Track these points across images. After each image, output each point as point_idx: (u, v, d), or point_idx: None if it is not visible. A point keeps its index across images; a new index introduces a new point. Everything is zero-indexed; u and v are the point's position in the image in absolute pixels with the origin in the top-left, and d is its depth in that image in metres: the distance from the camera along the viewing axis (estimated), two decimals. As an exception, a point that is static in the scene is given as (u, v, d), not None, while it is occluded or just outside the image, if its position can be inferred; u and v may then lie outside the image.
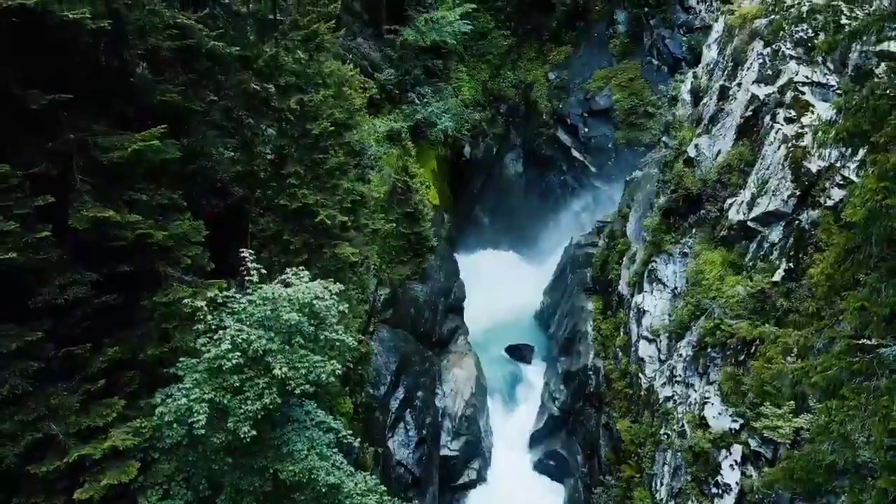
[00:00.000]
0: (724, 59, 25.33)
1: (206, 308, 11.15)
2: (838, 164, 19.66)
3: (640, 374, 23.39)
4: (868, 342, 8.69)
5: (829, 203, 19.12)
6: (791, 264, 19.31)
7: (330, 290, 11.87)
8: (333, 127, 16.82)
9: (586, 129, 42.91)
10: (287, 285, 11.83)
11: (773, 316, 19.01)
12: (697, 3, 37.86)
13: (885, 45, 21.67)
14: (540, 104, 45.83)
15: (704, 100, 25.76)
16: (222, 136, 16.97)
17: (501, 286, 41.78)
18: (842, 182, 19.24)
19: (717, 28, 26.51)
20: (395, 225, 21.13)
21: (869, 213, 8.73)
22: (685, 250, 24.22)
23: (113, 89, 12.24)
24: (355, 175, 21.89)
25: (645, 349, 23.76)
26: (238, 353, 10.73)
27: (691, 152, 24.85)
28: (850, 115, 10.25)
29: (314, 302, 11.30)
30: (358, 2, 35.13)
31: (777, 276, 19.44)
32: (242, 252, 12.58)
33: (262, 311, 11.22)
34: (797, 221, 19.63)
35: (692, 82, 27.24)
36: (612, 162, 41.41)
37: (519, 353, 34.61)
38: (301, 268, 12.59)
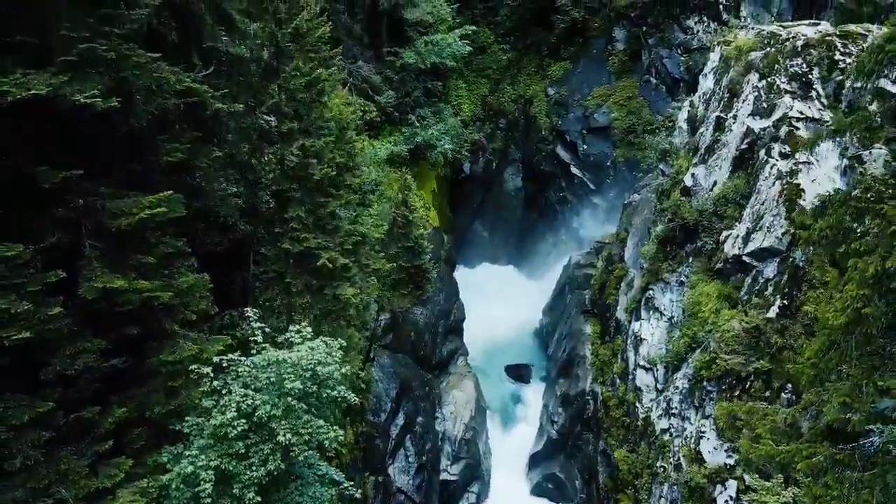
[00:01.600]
0: (720, 89, 25.59)
1: (212, 374, 11.44)
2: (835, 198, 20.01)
3: (638, 404, 23.68)
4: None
5: (824, 241, 19.37)
6: (785, 301, 19.60)
7: (332, 350, 12.16)
8: (335, 172, 17.11)
9: (585, 146, 43.20)
10: (290, 345, 12.12)
11: (768, 353, 19.32)
12: (695, 24, 38.14)
13: (878, 83, 22.10)
14: (539, 119, 46.14)
15: (701, 129, 26.04)
16: (226, 176, 17.30)
17: (501, 301, 42.18)
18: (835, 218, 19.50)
19: (714, 58, 26.77)
20: (395, 262, 21.38)
21: (849, 319, 9.03)
22: (682, 279, 24.51)
23: (120, 150, 12.53)
24: (357, 200, 22.23)
25: (642, 378, 24.05)
26: (243, 420, 11.03)
27: (688, 182, 25.13)
28: (835, 209, 10.52)
29: (317, 368, 11.60)
30: (358, 24, 35.43)
31: (772, 313, 19.73)
32: (246, 311, 12.86)
33: (267, 376, 11.52)
34: (791, 258, 19.92)
35: (689, 111, 27.51)
36: (610, 180, 41.72)
37: (518, 372, 34.93)
38: (304, 324, 12.88)
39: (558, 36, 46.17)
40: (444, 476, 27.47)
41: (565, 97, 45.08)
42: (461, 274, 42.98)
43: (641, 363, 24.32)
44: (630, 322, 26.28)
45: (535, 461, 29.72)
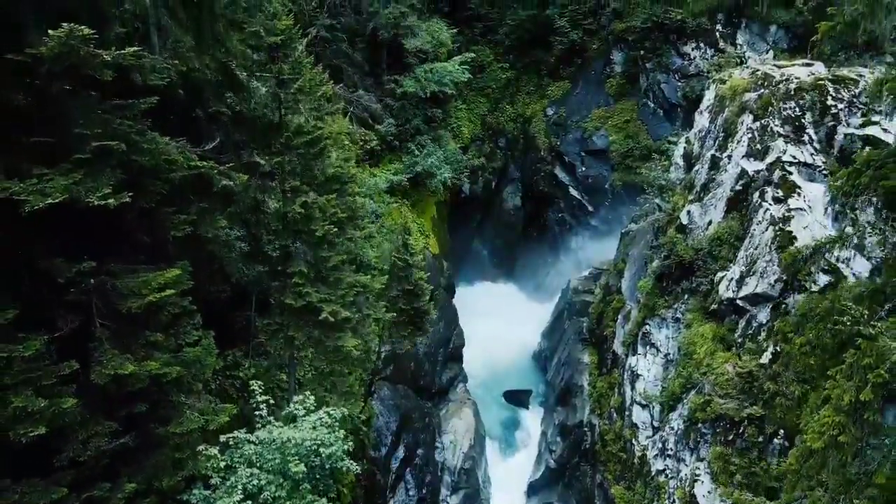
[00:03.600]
0: (715, 128, 26.00)
1: (218, 455, 11.85)
2: (824, 250, 20.43)
3: (634, 441, 24.09)
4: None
5: (815, 288, 19.77)
6: (778, 347, 20.00)
7: (334, 425, 12.56)
8: (337, 228, 17.50)
9: (584, 168, 43.60)
10: (294, 419, 12.54)
11: (761, 398, 19.72)
12: (692, 51, 38.54)
13: (869, 130, 22.50)
14: (538, 139, 46.50)
15: (696, 167, 26.44)
16: (228, 233, 17.74)
17: (500, 319, 42.53)
18: (827, 268, 19.90)
19: (709, 96, 27.17)
20: (395, 305, 21.81)
21: (825, 444, 9.46)
22: (678, 316, 24.90)
23: (129, 227, 12.92)
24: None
25: (638, 414, 24.45)
26: (249, 502, 11.44)
27: (683, 219, 25.54)
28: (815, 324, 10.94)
29: (320, 450, 12.00)
30: (359, 53, 35.81)
31: (764, 359, 20.12)
32: (251, 385, 13.27)
33: (272, 456, 11.92)
34: (784, 305, 20.31)
35: (685, 147, 27.92)
36: (609, 203, 42.10)
37: (517, 398, 35.36)
38: (308, 393, 13.30)
39: (557, 56, 46.56)
40: (443, 507, 27.94)
41: (564, 118, 45.46)
42: (460, 292, 43.27)
43: (638, 399, 24.72)
44: (627, 356, 26.69)
45: (533, 489, 30.14)
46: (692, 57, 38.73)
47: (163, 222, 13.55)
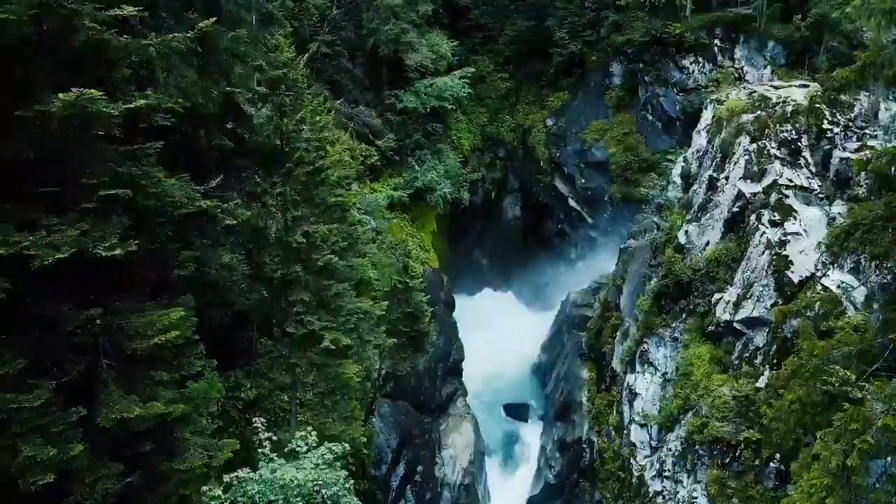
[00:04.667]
0: (712, 148, 26.22)
1: (222, 494, 12.07)
2: (819, 275, 20.68)
3: (632, 460, 24.32)
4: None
5: (810, 313, 20.00)
6: (774, 371, 20.23)
7: (336, 462, 12.79)
8: (338, 258, 17.72)
9: (583, 180, 43.79)
10: (295, 455, 12.77)
11: (757, 422, 19.95)
12: (691, 65, 38.71)
13: (863, 154, 22.75)
14: (538, 150, 46.68)
15: (694, 187, 26.67)
16: (231, 263, 17.97)
17: (500, 328, 42.76)
18: (822, 292, 20.13)
19: (706, 116, 27.40)
20: (395, 326, 22.06)
21: None
22: (676, 335, 25.13)
23: (133, 266, 13.14)
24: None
25: (636, 434, 24.68)
26: (253, 542, 11.70)
27: (681, 239, 25.76)
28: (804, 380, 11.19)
29: (323, 491, 12.24)
30: (359, 68, 36.05)
31: (761, 383, 20.36)
32: (255, 423, 13.51)
33: (276, 501, 12.14)
34: (780, 329, 20.53)
35: (683, 166, 28.15)
36: (608, 215, 42.30)
37: (516, 412, 35.58)
38: (309, 429, 13.53)
39: (556, 67, 46.72)
40: (443, 523, 28.17)
41: (563, 129, 45.63)
42: (460, 301, 43.39)
43: (636, 419, 24.96)
44: (625, 374, 26.91)
45: (532, 504, 30.41)
46: (691, 71, 38.89)
47: (167, 260, 13.79)
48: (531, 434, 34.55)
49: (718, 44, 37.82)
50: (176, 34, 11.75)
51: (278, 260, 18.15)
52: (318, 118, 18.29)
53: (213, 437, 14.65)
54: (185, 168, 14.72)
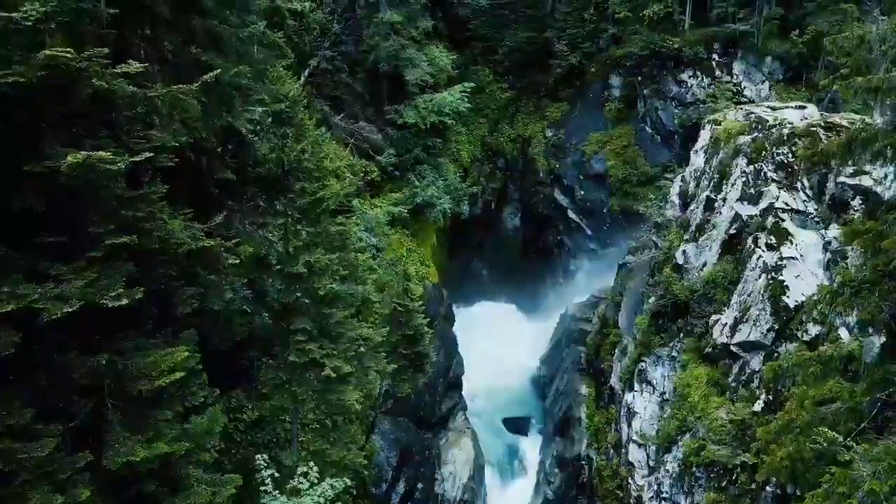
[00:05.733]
0: (710, 169, 26.42)
1: (228, 535, 12.32)
2: (815, 300, 20.88)
3: (630, 480, 24.55)
4: None
5: (806, 338, 20.24)
6: (770, 396, 20.46)
7: (336, 501, 13.05)
8: (339, 288, 17.94)
9: (582, 192, 44.06)
10: (297, 493, 13.01)
11: (754, 447, 20.16)
12: (689, 79, 38.94)
13: (859, 180, 22.97)
14: (537, 161, 46.92)
15: (692, 206, 26.87)
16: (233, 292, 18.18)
17: (500, 339, 42.99)
18: (818, 318, 20.35)
19: (704, 136, 27.59)
20: (395, 349, 22.30)
21: None
22: (674, 354, 25.35)
23: (138, 306, 13.35)
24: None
25: (635, 453, 24.91)
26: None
27: (679, 258, 25.97)
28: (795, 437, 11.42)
29: (324, 532, 12.52)
30: (359, 82, 36.30)
31: (757, 407, 20.60)
32: (257, 459, 13.74)
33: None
34: (776, 354, 20.76)
35: (680, 185, 28.35)
36: (607, 227, 42.53)
37: (516, 425, 35.81)
38: (311, 464, 13.76)
39: (556, 78, 47.01)
40: (443, 540, 28.42)
41: (563, 140, 45.89)
42: (460, 311, 43.62)
43: (634, 438, 25.18)
44: (623, 392, 27.13)
45: (531, 520, 30.65)
46: (689, 85, 39.13)
47: (171, 297, 14.00)
48: (531, 447, 34.80)
49: (716, 59, 38.07)
50: (181, 86, 11.93)
51: (280, 288, 18.38)
52: (319, 148, 18.52)
53: (217, 466, 14.94)
54: (187, 201, 14.98)
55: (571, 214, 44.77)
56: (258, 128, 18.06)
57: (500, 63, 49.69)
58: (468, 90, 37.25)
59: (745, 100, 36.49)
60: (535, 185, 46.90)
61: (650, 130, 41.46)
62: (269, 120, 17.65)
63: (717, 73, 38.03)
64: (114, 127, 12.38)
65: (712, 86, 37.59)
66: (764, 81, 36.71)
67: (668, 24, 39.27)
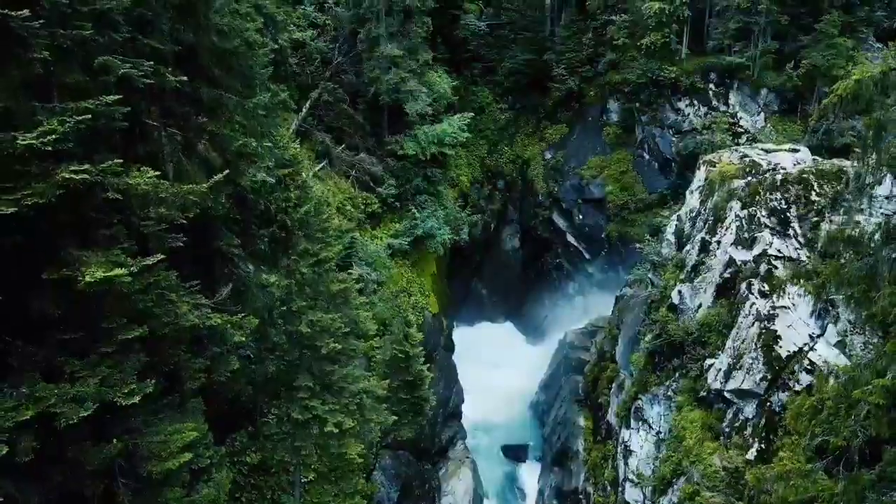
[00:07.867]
0: (705, 210, 26.86)
1: None
2: (806, 349, 21.37)
3: (627, 519, 25.02)
4: None
5: (798, 388, 20.71)
6: (763, 445, 20.92)
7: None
8: (341, 346, 18.39)
9: (580, 217, 44.50)
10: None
11: (747, 496, 20.64)
12: (686, 107, 39.36)
13: (849, 231, 23.37)
14: (537, 183, 47.38)
15: (687, 247, 27.31)
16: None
17: (499, 359, 43.50)
18: (809, 367, 20.83)
19: (699, 177, 28.01)
20: (396, 395, 22.75)
21: None
22: (669, 394, 25.80)
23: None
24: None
25: (631, 493, 25.37)
26: None
27: (674, 299, 26.41)
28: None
29: None
30: (360, 113, 36.70)
31: (750, 455, 21.06)
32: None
33: None
34: (769, 403, 21.23)
35: (676, 225, 28.77)
36: (605, 252, 42.99)
37: (514, 452, 36.25)
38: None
39: (555, 100, 47.45)
40: (442, 573, 28.89)
41: (561, 163, 46.31)
42: (460, 332, 44.06)
43: (630, 476, 25.64)
44: (620, 428, 27.59)
45: (530, 551, 31.11)
46: (686, 114, 39.57)
47: (180, 373, 14.46)
48: (529, 475, 35.26)
49: (713, 88, 38.52)
50: (193, 185, 12.38)
51: (283, 347, 18.83)
52: (322, 208, 18.98)
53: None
54: (191, 270, 15.41)
55: (570, 238, 45.22)
56: (263, 190, 18.48)
57: (499, 84, 50.12)
58: (468, 119, 37.61)
59: (741, 130, 36.97)
60: (534, 207, 47.37)
61: (648, 157, 41.89)
62: (274, 183, 18.10)
63: (714, 102, 38.47)
64: (125, 211, 12.83)
65: (709, 115, 38.02)
66: (760, 112, 37.15)
67: (665, 51, 39.68)
